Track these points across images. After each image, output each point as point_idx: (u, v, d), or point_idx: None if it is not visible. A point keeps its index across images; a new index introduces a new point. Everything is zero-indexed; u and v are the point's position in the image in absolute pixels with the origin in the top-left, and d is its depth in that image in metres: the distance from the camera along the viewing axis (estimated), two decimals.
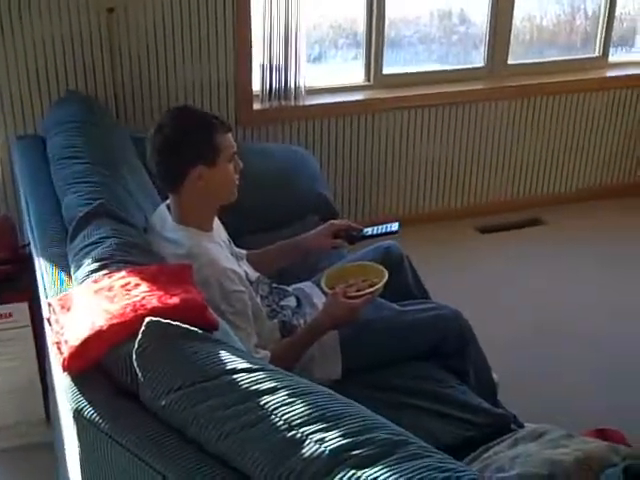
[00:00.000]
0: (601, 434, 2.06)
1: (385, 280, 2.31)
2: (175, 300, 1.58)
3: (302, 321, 2.40)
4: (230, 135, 2.21)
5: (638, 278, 3.78)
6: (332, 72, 4.04)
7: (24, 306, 2.52)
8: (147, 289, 1.61)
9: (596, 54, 4.51)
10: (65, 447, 1.80)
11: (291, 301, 2.48)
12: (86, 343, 1.48)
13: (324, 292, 2.40)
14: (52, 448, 2.41)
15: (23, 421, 2.65)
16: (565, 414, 2.65)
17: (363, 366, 2.30)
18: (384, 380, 2.26)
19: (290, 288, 2.54)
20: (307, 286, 2.57)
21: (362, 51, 3.99)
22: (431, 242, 3.97)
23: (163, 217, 2.23)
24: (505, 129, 4.27)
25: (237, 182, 2.23)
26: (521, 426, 2.19)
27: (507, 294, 3.60)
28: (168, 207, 2.25)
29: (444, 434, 2.03)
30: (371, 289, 2.29)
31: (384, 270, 2.36)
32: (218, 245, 2.25)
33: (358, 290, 2.31)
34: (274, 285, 2.47)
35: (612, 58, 4.55)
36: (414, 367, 2.31)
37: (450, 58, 4.33)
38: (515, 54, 4.30)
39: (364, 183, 4.07)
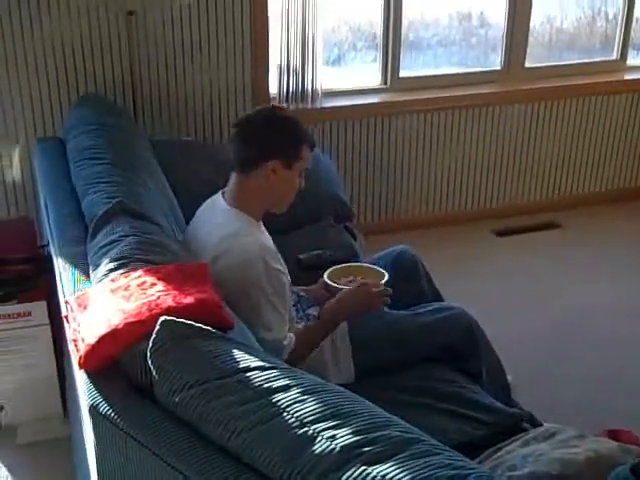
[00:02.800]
0: (613, 435, 2.06)
1: (384, 281, 2.40)
2: (190, 299, 1.60)
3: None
4: (311, 154, 2.31)
5: None
6: (351, 75, 4.06)
7: (42, 305, 2.56)
8: (163, 288, 1.64)
9: (614, 57, 4.50)
10: (83, 442, 1.83)
11: (317, 310, 2.50)
12: (102, 341, 1.51)
13: (326, 284, 2.48)
14: (70, 444, 2.45)
15: (41, 417, 2.68)
16: (579, 415, 2.65)
17: (375, 368, 2.31)
18: (396, 381, 2.27)
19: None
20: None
21: (379, 54, 4.01)
22: (447, 245, 3.97)
23: (214, 204, 2.30)
24: (522, 132, 4.26)
25: (293, 198, 2.32)
26: (539, 424, 2.20)
27: (523, 297, 3.60)
28: (222, 194, 2.30)
29: (455, 433, 2.04)
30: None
31: (384, 273, 2.45)
32: (265, 235, 2.32)
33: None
34: (302, 294, 2.50)
35: (630, 61, 4.54)
36: (426, 368, 2.33)
37: (469, 61, 4.33)
38: (534, 56, 4.30)
39: (380, 185, 4.08)
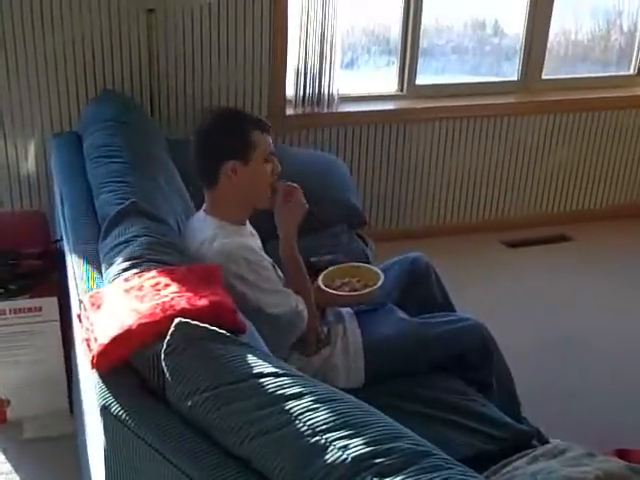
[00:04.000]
0: (623, 454, 2.05)
1: (379, 284, 2.38)
2: (204, 302, 1.59)
3: (325, 329, 2.41)
4: (268, 136, 2.26)
5: None
6: (364, 79, 4.06)
7: (53, 301, 2.56)
8: (177, 290, 1.63)
9: (631, 72, 4.49)
10: (88, 441, 1.83)
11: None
12: (115, 342, 1.50)
13: (319, 288, 2.45)
14: (75, 440, 2.45)
15: (48, 413, 2.69)
16: (587, 429, 2.64)
17: (385, 375, 2.31)
18: (405, 389, 2.27)
19: None
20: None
21: (395, 59, 4.01)
22: (458, 254, 3.97)
23: (196, 217, 2.31)
24: (536, 144, 4.26)
25: (272, 185, 2.28)
26: (545, 441, 2.19)
27: (532, 309, 3.59)
28: (205, 211, 2.30)
29: (463, 446, 2.03)
30: (365, 290, 2.40)
31: (380, 273, 2.43)
32: (247, 236, 2.31)
33: (352, 290, 2.42)
34: None
35: None
36: (436, 378, 2.32)
37: (482, 69, 4.32)
38: (548, 68, 4.29)
39: (393, 192, 4.07)
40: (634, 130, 4.43)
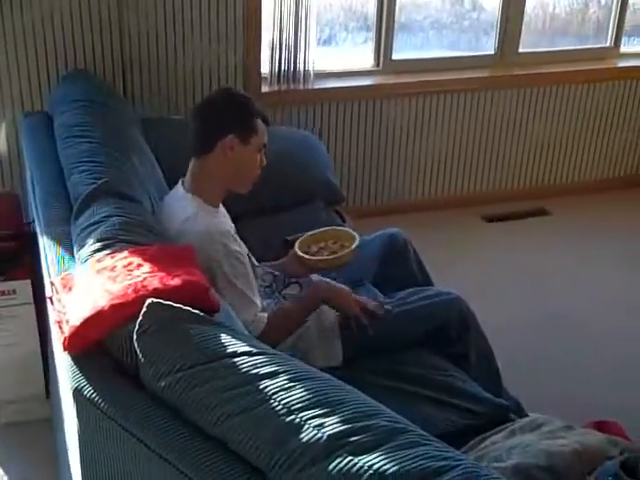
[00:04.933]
0: (600, 426, 2.05)
1: (355, 245, 2.39)
2: (177, 281, 1.57)
3: None
4: (265, 129, 2.32)
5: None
6: (342, 55, 4.01)
7: (27, 284, 2.52)
8: (149, 270, 1.61)
9: (608, 44, 4.48)
10: (65, 424, 1.81)
11: (294, 289, 2.48)
12: (87, 323, 1.48)
13: (297, 256, 2.46)
14: (51, 424, 2.42)
15: (23, 397, 2.66)
16: (566, 404, 2.65)
17: (363, 353, 2.30)
18: (383, 366, 2.26)
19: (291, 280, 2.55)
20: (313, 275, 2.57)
21: (372, 35, 3.97)
22: (437, 229, 3.96)
23: (175, 191, 2.32)
24: (514, 117, 4.24)
25: (257, 176, 2.32)
26: (524, 415, 2.19)
27: (513, 283, 3.60)
28: (182, 182, 2.32)
29: (441, 421, 2.03)
30: (342, 252, 2.40)
31: (356, 235, 2.45)
32: (222, 219, 2.32)
33: (331, 253, 2.43)
34: (276, 273, 2.47)
35: (624, 49, 4.51)
36: (415, 354, 2.32)
37: (461, 44, 4.29)
38: (526, 42, 4.26)
39: (370, 168, 4.05)
40: (611, 103, 4.42)
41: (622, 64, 4.47)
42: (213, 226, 2.20)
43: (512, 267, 3.74)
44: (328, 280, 2.39)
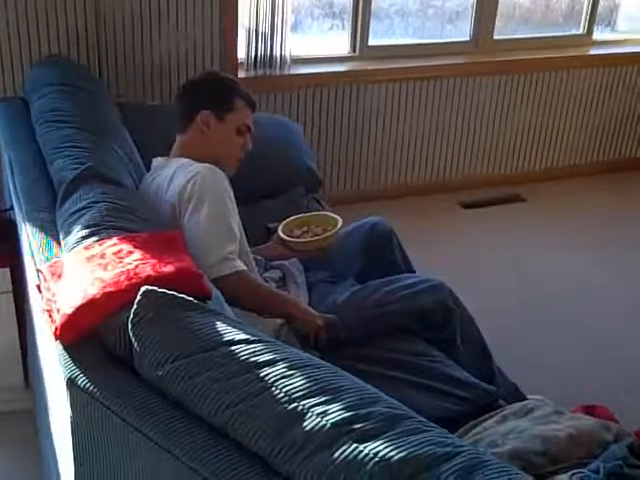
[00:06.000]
0: (589, 410, 2.07)
1: (338, 228, 2.41)
2: (170, 268, 1.55)
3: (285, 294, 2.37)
4: (251, 113, 2.37)
5: (614, 255, 3.81)
6: (308, 43, 3.95)
7: (5, 272, 2.47)
8: (140, 257, 1.58)
9: (581, 32, 4.51)
10: (51, 415, 1.78)
11: (276, 273, 2.46)
12: (79, 311, 1.45)
13: (281, 239, 2.47)
14: (31, 415, 2.38)
15: (2, 387, 2.61)
16: (550, 389, 2.65)
17: (348, 340, 2.29)
18: (369, 353, 2.25)
19: (273, 263, 2.52)
20: (291, 263, 2.54)
21: (339, 22, 3.95)
22: (414, 215, 3.97)
23: (162, 164, 2.34)
24: (489, 104, 4.26)
25: (239, 159, 2.35)
26: (523, 397, 2.20)
27: (487, 268, 3.62)
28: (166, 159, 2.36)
29: (430, 408, 2.02)
30: (325, 234, 2.42)
31: (338, 219, 2.46)
32: None
33: (314, 236, 2.44)
34: (258, 257, 2.45)
35: (596, 36, 4.54)
36: (401, 340, 2.31)
37: (426, 32, 4.28)
38: (499, 30, 4.26)
39: (347, 154, 4.04)
40: (586, 89, 4.45)
41: (595, 51, 4.49)
42: (212, 166, 2.19)
43: (488, 253, 3.76)
44: (306, 307, 2.29)
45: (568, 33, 4.53)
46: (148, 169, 2.51)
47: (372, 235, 2.56)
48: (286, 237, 2.44)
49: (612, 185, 4.53)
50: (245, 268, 2.15)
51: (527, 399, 2.16)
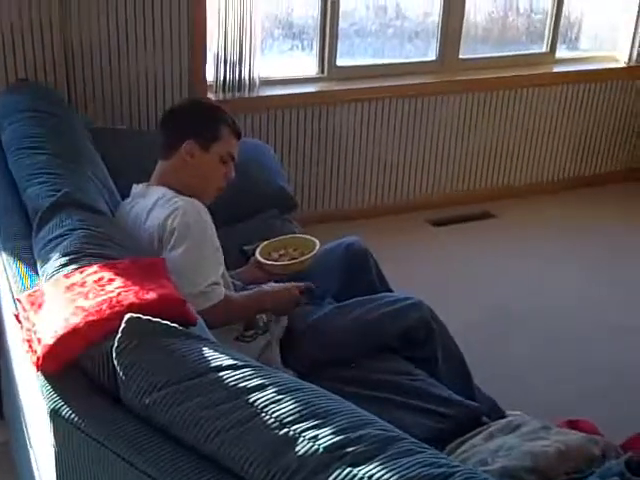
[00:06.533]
0: (573, 425, 2.08)
1: (316, 251, 2.40)
2: (152, 295, 1.53)
3: (264, 317, 2.36)
4: (236, 142, 2.32)
5: (585, 269, 3.85)
6: (269, 64, 3.92)
7: None
8: (122, 284, 1.57)
9: (544, 50, 4.57)
10: (32, 447, 1.75)
11: None
12: (61, 341, 1.43)
13: (258, 262, 2.45)
14: (7, 447, 2.33)
15: None
16: (530, 404, 2.67)
17: (328, 361, 2.28)
18: (351, 374, 2.24)
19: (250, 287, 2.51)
20: (269, 286, 2.53)
21: (299, 42, 3.97)
22: (384, 235, 3.97)
23: (142, 191, 2.29)
24: (457, 123, 4.30)
25: (220, 188, 2.32)
26: (501, 413, 2.21)
27: (459, 285, 3.64)
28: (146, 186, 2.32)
29: (414, 427, 2.01)
30: (302, 257, 2.40)
31: (316, 241, 2.45)
32: None
33: (291, 258, 2.42)
34: (237, 283, 2.43)
35: (559, 54, 4.61)
36: (381, 360, 2.30)
37: (386, 52, 4.30)
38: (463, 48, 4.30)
39: (317, 175, 4.05)
40: (551, 106, 4.52)
41: (558, 69, 4.56)
42: (193, 200, 2.16)
43: (459, 270, 3.78)
44: (268, 289, 2.33)
45: (532, 52, 4.59)
46: (122, 194, 2.49)
47: (348, 255, 2.55)
48: (263, 260, 2.43)
49: (580, 201, 4.59)
50: (226, 292, 2.16)
51: (505, 416, 2.18)
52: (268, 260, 2.44)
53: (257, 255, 2.45)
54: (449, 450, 1.82)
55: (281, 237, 2.56)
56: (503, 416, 2.34)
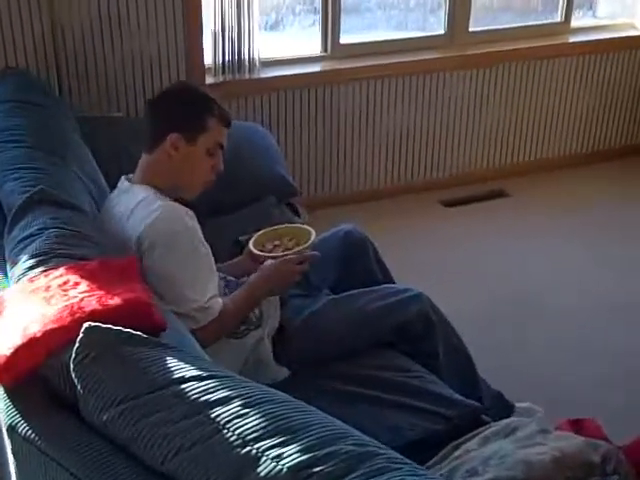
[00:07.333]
0: (576, 424, 1.97)
1: (312, 240, 2.28)
2: (117, 301, 1.44)
3: (256, 311, 2.27)
4: (225, 130, 2.18)
5: (601, 248, 3.72)
6: (290, 40, 3.88)
7: None
8: (87, 288, 1.48)
9: (558, 19, 4.41)
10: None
11: None
12: (18, 352, 1.35)
13: (251, 253, 2.33)
14: None
15: None
16: (535, 390, 2.60)
17: (323, 358, 2.19)
18: (344, 370, 2.15)
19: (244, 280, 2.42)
20: (256, 275, 2.43)
21: (319, 19, 3.83)
22: (395, 217, 3.87)
23: (126, 188, 2.16)
24: (467, 98, 4.15)
25: (208, 182, 2.18)
26: (510, 405, 2.12)
27: (472, 268, 3.52)
28: (127, 179, 2.19)
29: (410, 429, 1.91)
30: (297, 248, 2.27)
31: (312, 231, 2.32)
32: None
33: (285, 249, 2.30)
34: (229, 278, 2.34)
35: (574, 23, 4.45)
36: (378, 355, 2.20)
37: (409, 24, 4.19)
38: (472, 20, 4.16)
39: (323, 157, 3.94)
40: (565, 79, 4.35)
41: (573, 39, 4.40)
42: (175, 205, 2.05)
43: (472, 251, 3.67)
44: (256, 280, 2.22)
45: (545, 22, 4.43)
46: (109, 186, 2.40)
47: (346, 244, 2.45)
48: (257, 251, 2.33)
49: (596, 176, 4.44)
50: (221, 301, 2.08)
51: (514, 406, 2.09)
52: (262, 251, 2.34)
53: (250, 246, 2.34)
54: (444, 454, 1.72)
55: (276, 226, 2.44)
56: (511, 409, 2.25)
